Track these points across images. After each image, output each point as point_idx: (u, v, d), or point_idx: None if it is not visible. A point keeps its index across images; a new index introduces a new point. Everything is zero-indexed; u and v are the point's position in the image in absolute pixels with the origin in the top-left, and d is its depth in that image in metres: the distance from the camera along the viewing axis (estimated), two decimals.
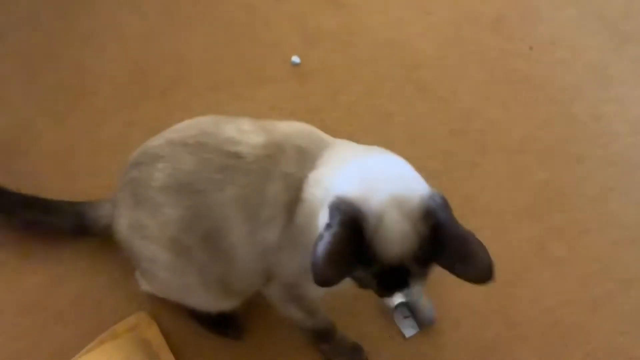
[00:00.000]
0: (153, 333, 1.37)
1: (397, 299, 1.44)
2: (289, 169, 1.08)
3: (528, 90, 1.88)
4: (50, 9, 1.94)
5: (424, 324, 1.45)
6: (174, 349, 1.37)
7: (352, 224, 0.92)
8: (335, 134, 1.20)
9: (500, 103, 1.84)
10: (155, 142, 1.18)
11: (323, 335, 1.38)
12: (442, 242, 0.94)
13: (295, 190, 1.07)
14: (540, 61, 1.94)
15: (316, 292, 1.19)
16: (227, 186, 1.08)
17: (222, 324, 1.40)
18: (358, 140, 1.19)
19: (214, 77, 1.82)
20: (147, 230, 1.14)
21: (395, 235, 0.94)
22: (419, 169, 1.05)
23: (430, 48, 1.94)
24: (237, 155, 1.09)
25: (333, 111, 1.78)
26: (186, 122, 1.20)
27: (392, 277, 0.97)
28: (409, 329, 1.44)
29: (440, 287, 1.48)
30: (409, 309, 1.45)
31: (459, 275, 0.95)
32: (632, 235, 1.63)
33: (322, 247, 0.89)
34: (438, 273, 1.01)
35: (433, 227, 0.94)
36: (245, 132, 1.12)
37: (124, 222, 1.20)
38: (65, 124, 1.70)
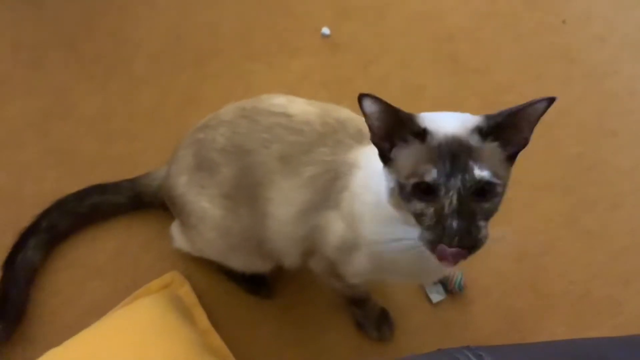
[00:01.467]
0: (185, 291, 1.41)
1: None
2: (345, 139, 1.10)
3: (562, 64, 1.86)
4: None
5: (453, 292, 1.46)
6: (205, 307, 1.41)
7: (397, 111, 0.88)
8: None
9: (534, 77, 1.82)
10: (223, 110, 1.25)
11: (357, 302, 1.40)
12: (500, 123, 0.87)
13: (346, 159, 1.09)
14: (574, 35, 1.91)
15: (355, 279, 1.19)
16: (274, 144, 1.13)
17: (253, 282, 1.43)
18: None
19: (246, 47, 1.84)
20: (204, 188, 1.21)
21: (444, 116, 0.91)
22: None
23: (464, 21, 1.93)
24: (286, 115, 1.14)
25: (364, 83, 1.78)
26: (248, 99, 1.24)
27: (450, 156, 0.85)
28: (435, 295, 1.45)
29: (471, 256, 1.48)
30: None
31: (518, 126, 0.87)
32: None
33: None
34: None
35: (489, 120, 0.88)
36: (296, 101, 1.18)
37: (182, 179, 1.25)
38: (103, 90, 1.74)
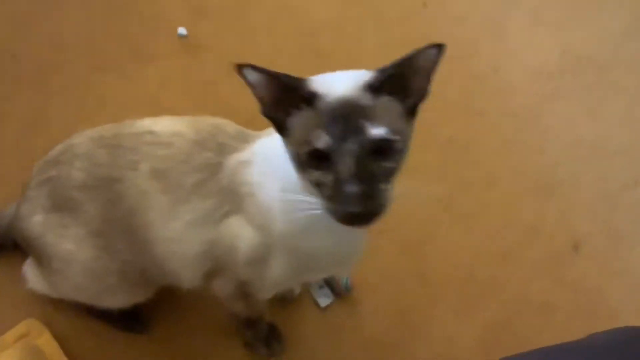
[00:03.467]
0: (45, 339, 1.28)
1: None
2: (228, 141, 1.02)
3: None
4: None
5: (341, 293, 1.42)
6: (70, 354, 1.28)
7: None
8: (233, 109, 1.15)
9: None
10: (76, 140, 1.12)
11: (251, 323, 1.31)
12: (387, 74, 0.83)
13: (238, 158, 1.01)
14: (436, 18, 1.92)
15: (269, 292, 1.13)
16: (141, 163, 1.02)
17: (125, 319, 1.31)
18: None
19: (95, 57, 1.69)
20: (67, 228, 1.09)
21: (336, 76, 0.87)
22: None
23: (326, 13, 1.88)
24: (150, 132, 1.05)
25: (229, 84, 1.69)
26: (110, 125, 1.13)
27: (341, 118, 0.80)
28: (323, 299, 1.41)
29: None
30: (325, 278, 1.41)
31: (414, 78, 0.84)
32: (536, 184, 1.65)
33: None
34: None
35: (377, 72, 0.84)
36: (162, 120, 1.08)
37: (37, 220, 1.12)
38: None
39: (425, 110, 1.70)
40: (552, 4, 1.98)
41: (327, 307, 1.42)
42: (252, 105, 0.85)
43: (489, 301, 1.48)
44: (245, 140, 1.03)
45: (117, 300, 1.21)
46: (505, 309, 1.47)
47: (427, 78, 0.85)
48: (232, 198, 1.00)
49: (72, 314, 1.30)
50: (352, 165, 0.78)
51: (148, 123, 1.08)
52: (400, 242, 1.51)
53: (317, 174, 0.81)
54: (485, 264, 1.52)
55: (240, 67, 0.80)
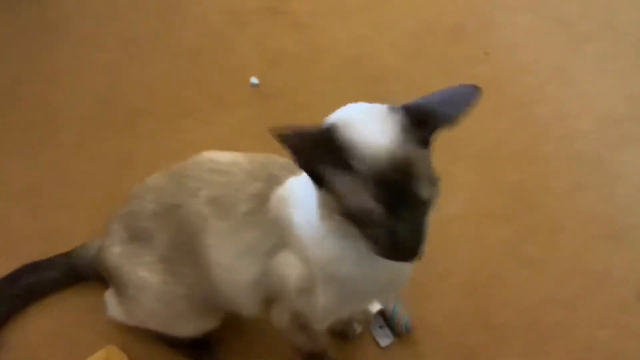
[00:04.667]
0: None
1: (375, 306, 1.43)
2: (277, 171, 1.07)
3: (492, 95, 1.89)
4: (14, 52, 1.95)
5: (401, 333, 1.43)
6: None
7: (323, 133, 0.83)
8: None
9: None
10: (151, 177, 1.22)
11: (315, 357, 1.34)
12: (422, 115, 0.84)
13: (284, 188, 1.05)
14: (500, 66, 1.96)
15: (322, 323, 1.16)
16: (202, 190, 1.09)
17: (196, 348, 1.37)
18: None
19: (179, 105, 1.83)
20: (140, 257, 1.18)
21: (371, 127, 0.84)
22: None
23: (394, 61, 1.96)
24: (212, 161, 1.12)
25: None
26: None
27: (394, 189, 0.81)
28: (384, 339, 1.42)
29: (417, 295, 1.46)
30: (385, 318, 1.44)
31: (450, 115, 0.84)
32: (603, 230, 1.62)
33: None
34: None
35: (405, 110, 0.85)
36: (224, 153, 1.14)
37: (115, 251, 1.22)
38: (32, 162, 1.70)
39: (492, 156, 1.74)
40: (616, 51, 1.98)
41: (387, 347, 1.43)
42: None
43: (554, 348, 1.45)
44: (292, 171, 1.06)
45: (187, 327, 1.27)
46: (571, 356, 1.44)
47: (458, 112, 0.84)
48: (278, 229, 1.04)
49: (149, 343, 1.38)
50: (408, 230, 0.82)
51: (210, 154, 1.15)
52: (465, 284, 1.52)
53: (369, 231, 0.84)
54: (550, 310, 1.50)
55: (272, 132, 0.81)
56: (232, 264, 1.10)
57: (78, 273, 1.43)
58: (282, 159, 1.10)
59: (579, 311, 1.50)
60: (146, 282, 1.19)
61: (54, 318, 1.43)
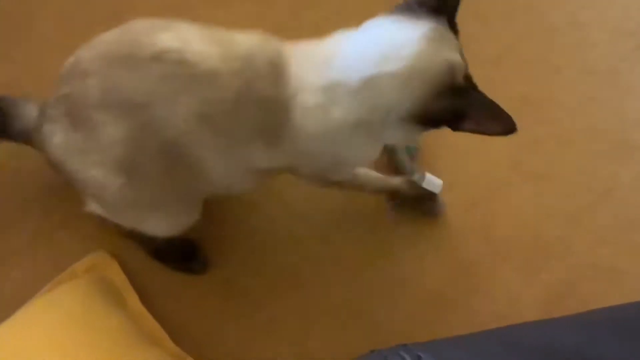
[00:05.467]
0: (114, 271, 1.30)
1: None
2: (266, 91, 1.00)
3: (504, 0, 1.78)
4: None
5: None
6: (137, 288, 1.30)
7: None
8: None
9: (476, 16, 1.73)
10: (86, 53, 1.03)
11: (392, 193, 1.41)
12: None
13: (279, 113, 1.02)
14: None
15: (349, 174, 1.21)
16: (180, 97, 0.97)
17: (184, 258, 1.33)
18: None
19: None
20: (88, 155, 1.01)
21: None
22: None
23: None
24: (181, 62, 0.97)
25: (298, 30, 1.65)
26: (116, 31, 1.03)
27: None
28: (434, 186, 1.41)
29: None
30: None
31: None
32: (612, 146, 1.57)
33: None
34: None
35: None
36: (189, 42, 0.99)
37: (57, 142, 1.03)
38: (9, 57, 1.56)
39: (499, 67, 1.64)
40: None
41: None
42: None
43: (554, 263, 1.43)
44: (282, 83, 1.02)
45: (159, 223, 1.15)
46: (571, 272, 1.43)
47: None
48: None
49: (138, 253, 1.33)
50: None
51: (173, 44, 0.98)
52: (467, 198, 1.48)
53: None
54: (553, 225, 1.47)
55: None
56: (234, 166, 1.07)
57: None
58: (262, 60, 1.02)
59: (582, 227, 1.47)
60: (104, 181, 1.02)
61: (36, 220, 1.36)
